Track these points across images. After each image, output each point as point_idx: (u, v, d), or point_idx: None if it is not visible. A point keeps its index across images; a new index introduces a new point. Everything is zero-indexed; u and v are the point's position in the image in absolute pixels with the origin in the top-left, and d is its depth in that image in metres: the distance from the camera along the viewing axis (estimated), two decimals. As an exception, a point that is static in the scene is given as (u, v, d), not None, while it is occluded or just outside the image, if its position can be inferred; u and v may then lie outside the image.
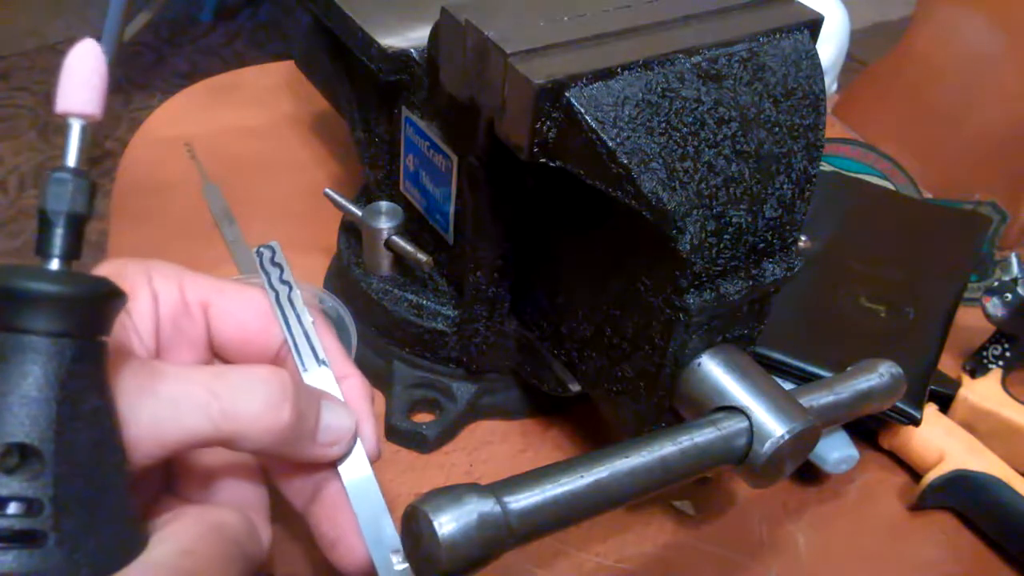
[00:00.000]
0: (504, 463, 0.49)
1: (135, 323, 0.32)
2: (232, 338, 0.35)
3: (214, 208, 0.64)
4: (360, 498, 0.33)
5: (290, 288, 0.35)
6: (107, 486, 0.26)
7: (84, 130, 0.27)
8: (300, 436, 0.31)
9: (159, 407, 0.29)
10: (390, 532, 0.33)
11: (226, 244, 0.61)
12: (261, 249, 0.36)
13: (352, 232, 0.55)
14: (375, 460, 0.34)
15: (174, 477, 0.34)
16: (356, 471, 0.34)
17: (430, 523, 0.28)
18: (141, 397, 0.28)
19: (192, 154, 0.69)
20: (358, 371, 0.36)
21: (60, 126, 0.28)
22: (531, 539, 0.31)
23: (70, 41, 0.28)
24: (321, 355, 0.34)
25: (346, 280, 0.54)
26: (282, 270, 0.36)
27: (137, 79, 2.06)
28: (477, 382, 0.50)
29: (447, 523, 0.28)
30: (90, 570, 0.25)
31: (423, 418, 0.50)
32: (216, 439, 0.30)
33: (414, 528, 0.29)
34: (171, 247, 0.61)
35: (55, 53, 2.07)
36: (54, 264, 0.26)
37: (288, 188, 0.66)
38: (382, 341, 0.52)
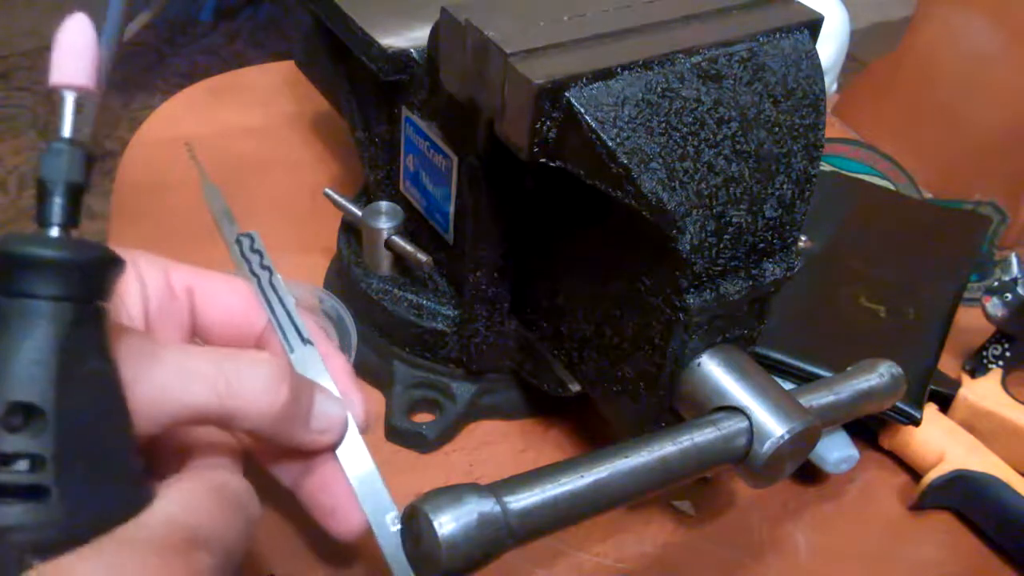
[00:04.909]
0: (504, 463, 0.49)
1: (127, 307, 0.32)
2: (217, 321, 0.36)
3: (214, 208, 0.64)
4: (352, 464, 0.34)
5: (270, 273, 0.37)
6: (110, 444, 0.27)
7: (78, 101, 0.27)
8: (294, 418, 0.32)
9: (167, 375, 0.29)
10: (384, 494, 0.33)
11: (226, 244, 0.61)
12: (240, 238, 0.37)
13: (352, 232, 0.55)
14: (364, 430, 0.35)
15: (151, 459, 0.34)
16: (346, 439, 0.34)
17: (430, 523, 0.28)
18: (148, 364, 0.29)
19: (192, 154, 0.68)
20: (337, 350, 0.37)
21: (60, 126, 0.28)
22: (531, 539, 0.31)
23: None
24: (306, 335, 0.36)
25: (346, 280, 0.54)
26: (262, 256, 0.37)
27: (137, 79, 2.06)
28: (477, 382, 0.50)
29: (447, 523, 0.28)
30: (91, 525, 0.25)
31: (423, 418, 0.50)
32: (218, 414, 0.30)
33: (414, 528, 0.29)
34: (171, 247, 0.60)
35: (55, 53, 2.06)
36: (54, 231, 0.26)
37: (288, 188, 0.66)
38: (382, 341, 0.52)
